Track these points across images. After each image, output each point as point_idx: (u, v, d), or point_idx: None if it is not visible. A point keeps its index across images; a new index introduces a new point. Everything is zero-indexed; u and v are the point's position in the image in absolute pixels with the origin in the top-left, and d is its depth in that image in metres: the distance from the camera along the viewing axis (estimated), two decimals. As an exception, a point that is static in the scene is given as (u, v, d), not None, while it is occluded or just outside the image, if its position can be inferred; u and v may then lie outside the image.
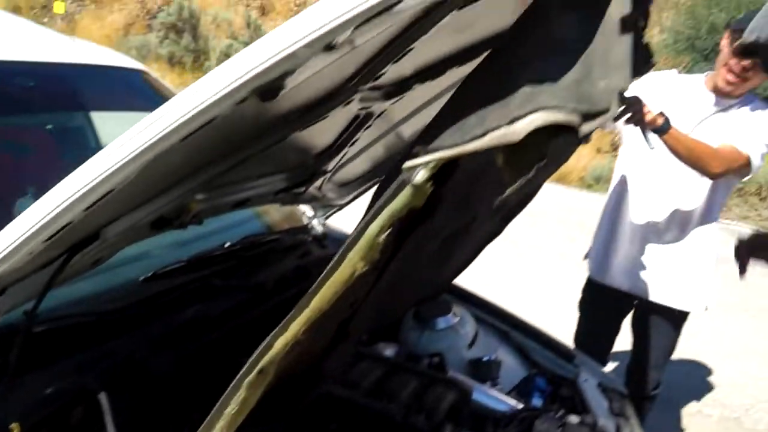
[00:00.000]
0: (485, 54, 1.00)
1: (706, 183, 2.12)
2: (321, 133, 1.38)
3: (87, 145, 2.18)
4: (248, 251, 1.61)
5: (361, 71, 0.97)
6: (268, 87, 0.64)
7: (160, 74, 2.86)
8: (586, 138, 0.69)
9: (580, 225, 6.57)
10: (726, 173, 2.03)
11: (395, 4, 0.55)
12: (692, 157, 1.96)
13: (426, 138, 0.67)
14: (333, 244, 1.98)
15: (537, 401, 1.64)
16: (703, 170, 2.00)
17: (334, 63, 0.76)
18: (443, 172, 0.65)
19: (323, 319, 0.75)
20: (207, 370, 1.17)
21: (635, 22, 0.68)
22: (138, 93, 2.22)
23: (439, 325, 1.75)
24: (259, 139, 1.06)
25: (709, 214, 2.19)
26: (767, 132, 2.05)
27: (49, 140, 2.13)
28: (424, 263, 1.44)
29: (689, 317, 2.33)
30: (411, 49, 0.90)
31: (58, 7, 13.58)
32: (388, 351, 1.65)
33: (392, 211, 0.64)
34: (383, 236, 0.67)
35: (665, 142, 1.92)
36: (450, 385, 1.46)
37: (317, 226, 2.01)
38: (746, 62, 1.94)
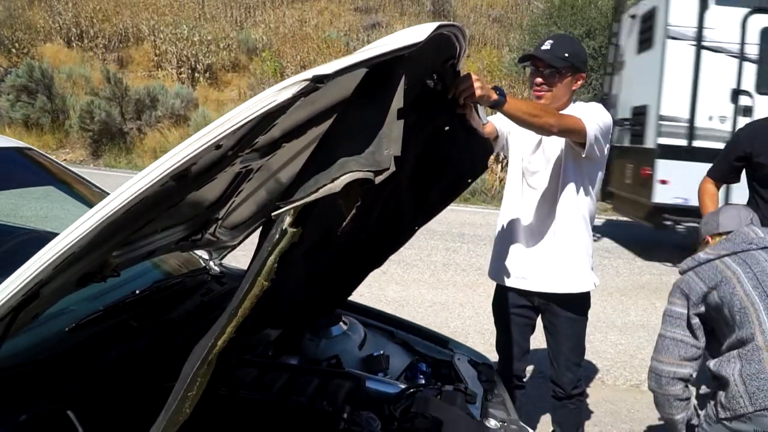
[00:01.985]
0: (330, 116, 1.34)
1: (567, 188, 2.35)
2: (211, 189, 1.65)
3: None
4: (158, 294, 1.85)
5: (239, 143, 1.28)
6: (181, 174, 0.94)
7: (16, 138, 2.92)
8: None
9: (460, 236, 7.17)
10: (567, 131, 2.16)
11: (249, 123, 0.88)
12: (534, 120, 2.05)
13: (285, 195, 1.00)
14: (230, 280, 2.24)
15: (421, 381, 2.00)
16: (547, 128, 2.11)
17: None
18: (302, 215, 0.98)
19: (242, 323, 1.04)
20: (136, 399, 1.41)
21: (406, 112, 1.05)
22: (20, 170, 2.34)
23: (332, 333, 2.08)
24: (164, 203, 1.33)
25: (576, 211, 2.38)
26: (590, 110, 2.27)
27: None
28: (297, 280, 1.77)
29: (585, 305, 2.49)
30: (275, 124, 1.22)
31: None
32: (292, 361, 1.94)
33: (280, 247, 0.96)
34: (275, 265, 0.99)
35: (506, 114, 1.98)
36: (346, 376, 1.78)
37: (214, 266, 2.27)
38: (537, 79, 2.30)
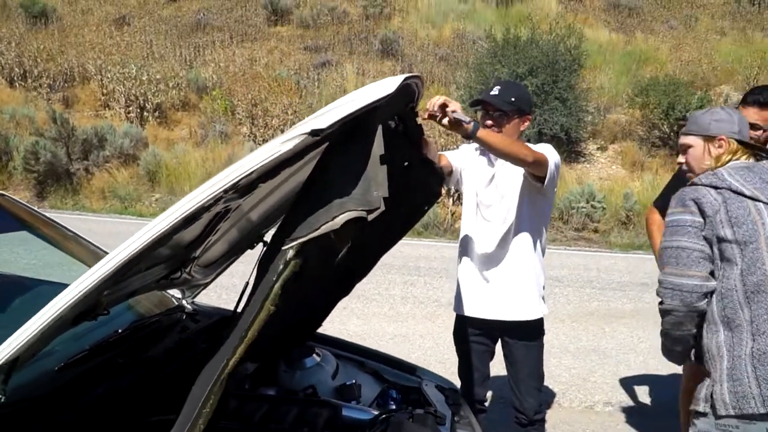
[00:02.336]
0: (307, 161, 1.47)
1: (520, 222, 2.50)
2: (191, 231, 1.75)
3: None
4: (138, 333, 1.91)
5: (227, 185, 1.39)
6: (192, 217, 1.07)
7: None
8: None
9: (416, 269, 7.32)
10: (535, 161, 2.29)
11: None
12: (506, 149, 2.22)
13: (287, 231, 1.13)
14: (204, 317, 2.31)
15: (392, 407, 2.11)
16: (519, 158, 2.26)
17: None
18: (303, 248, 1.11)
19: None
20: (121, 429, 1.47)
21: (386, 158, 1.19)
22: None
23: (307, 364, 2.17)
24: (152, 249, 1.42)
25: (529, 243, 2.53)
26: (546, 148, 2.42)
27: None
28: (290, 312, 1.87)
29: (539, 332, 2.62)
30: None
31: None
32: (270, 392, 2.02)
33: (285, 276, 1.07)
34: (279, 291, 1.11)
35: (482, 142, 2.16)
36: (323, 405, 1.88)
37: (188, 305, 2.33)
38: (487, 121, 2.45)
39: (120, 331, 1.86)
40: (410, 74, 1.41)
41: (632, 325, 5.54)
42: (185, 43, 16.52)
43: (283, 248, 1.08)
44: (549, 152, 2.42)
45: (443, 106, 2.04)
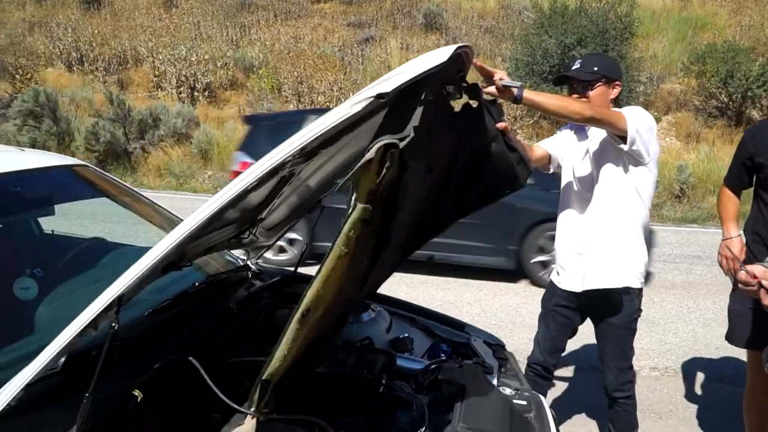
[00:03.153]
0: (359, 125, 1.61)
1: (616, 195, 2.47)
2: (258, 194, 1.92)
3: (33, 234, 2.55)
4: (212, 287, 2.11)
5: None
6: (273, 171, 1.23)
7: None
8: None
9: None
10: (602, 120, 2.26)
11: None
12: (556, 107, 2.20)
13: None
14: (267, 276, 2.51)
15: (443, 358, 2.26)
16: (574, 114, 2.22)
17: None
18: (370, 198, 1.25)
19: (332, 291, 1.30)
20: (209, 368, 1.67)
21: (424, 99, 1.31)
22: (71, 185, 2.60)
23: (363, 318, 2.34)
24: (236, 204, 1.59)
25: (627, 216, 2.49)
26: (630, 108, 2.38)
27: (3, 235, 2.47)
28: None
29: (627, 308, 2.56)
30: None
31: None
32: (331, 342, 2.20)
33: (353, 218, 1.21)
34: (351, 232, 1.25)
35: (528, 105, 2.16)
36: (379, 352, 2.04)
37: (252, 265, 2.53)
38: (573, 95, 2.50)
39: (197, 284, 2.06)
40: (461, 44, 1.53)
41: (682, 296, 5.55)
42: (231, 23, 16.82)
43: (357, 202, 1.21)
44: (633, 111, 2.38)
45: (490, 76, 2.11)
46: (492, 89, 2.10)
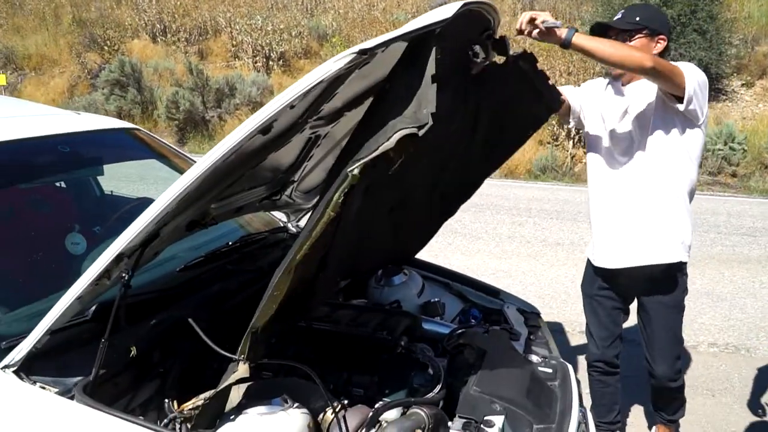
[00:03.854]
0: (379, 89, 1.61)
1: (662, 158, 2.25)
2: (287, 154, 1.97)
3: (92, 194, 2.73)
4: (246, 247, 2.20)
5: (308, 110, 1.57)
6: (265, 128, 1.25)
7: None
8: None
9: (527, 211, 7.31)
10: (663, 75, 2.06)
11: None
12: (611, 54, 2.02)
13: (351, 155, 1.29)
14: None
15: (472, 324, 2.26)
16: (633, 63, 2.03)
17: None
18: (367, 168, 1.26)
19: (317, 246, 1.34)
20: (230, 323, 1.75)
21: (439, 78, 1.29)
22: (127, 147, 2.76)
23: (394, 281, 2.37)
24: (249, 162, 1.64)
25: (673, 183, 2.28)
26: (684, 64, 2.15)
27: (65, 193, 2.65)
28: (381, 233, 2.06)
29: (675, 286, 2.36)
30: (336, 93, 1.51)
31: (0, 80, 13.85)
32: (359, 302, 2.25)
33: (342, 187, 1.24)
34: (339, 200, 1.27)
35: (578, 50, 2.01)
36: (405, 315, 2.07)
37: (291, 227, 2.60)
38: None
39: (230, 243, 2.15)
40: (473, 0, 1.48)
41: (756, 270, 5.24)
42: (307, -8, 16.92)
43: (347, 170, 1.23)
44: (688, 67, 2.15)
45: (532, 20, 1.98)
46: (535, 33, 1.99)
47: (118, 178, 2.87)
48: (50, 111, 2.75)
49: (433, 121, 1.23)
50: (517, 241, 6.05)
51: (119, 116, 12.89)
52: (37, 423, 1.38)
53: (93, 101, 13.07)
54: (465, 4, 1.39)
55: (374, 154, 1.25)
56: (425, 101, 1.25)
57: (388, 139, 1.24)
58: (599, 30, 2.33)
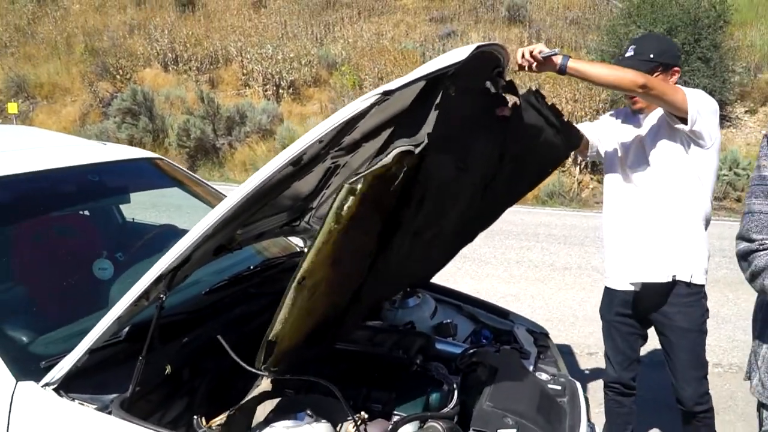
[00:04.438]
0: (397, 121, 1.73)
1: (674, 184, 2.31)
2: (307, 183, 2.07)
3: (116, 221, 2.84)
4: (267, 271, 2.30)
5: (331, 141, 1.68)
6: (296, 160, 1.36)
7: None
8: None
9: (534, 236, 7.39)
10: (659, 96, 2.12)
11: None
12: (605, 76, 2.10)
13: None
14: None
15: (483, 343, 2.34)
16: (628, 84, 2.08)
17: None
18: (371, 184, 1.37)
19: (333, 270, 1.44)
20: (253, 343, 1.84)
21: (434, 104, 1.40)
22: (149, 176, 2.88)
23: (408, 304, 2.46)
24: (276, 191, 1.75)
25: (686, 207, 2.33)
26: (690, 90, 2.21)
27: (90, 221, 2.77)
28: (407, 258, 2.16)
29: (695, 306, 2.38)
30: (357, 126, 1.62)
31: (12, 108, 14.13)
32: (374, 324, 2.34)
33: (341, 197, 1.33)
34: (344, 211, 1.36)
35: (574, 75, 2.09)
36: (419, 335, 2.16)
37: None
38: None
39: (252, 267, 2.25)
40: (483, 43, 1.60)
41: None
42: (316, 21, 17.28)
43: (346, 182, 1.34)
44: (694, 92, 2.21)
45: (530, 54, 2.09)
46: (535, 66, 2.10)
47: (131, 208, 2.98)
48: (77, 141, 2.88)
49: (428, 140, 1.34)
50: (525, 265, 6.13)
51: (130, 144, 13.10)
52: (77, 437, 1.47)
53: (105, 129, 13.30)
54: (478, 47, 1.51)
55: (373, 169, 1.36)
56: (425, 125, 1.36)
57: (387, 155, 1.35)
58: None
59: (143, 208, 3.53)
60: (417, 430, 1.63)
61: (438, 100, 1.37)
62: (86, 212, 2.76)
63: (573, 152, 2.48)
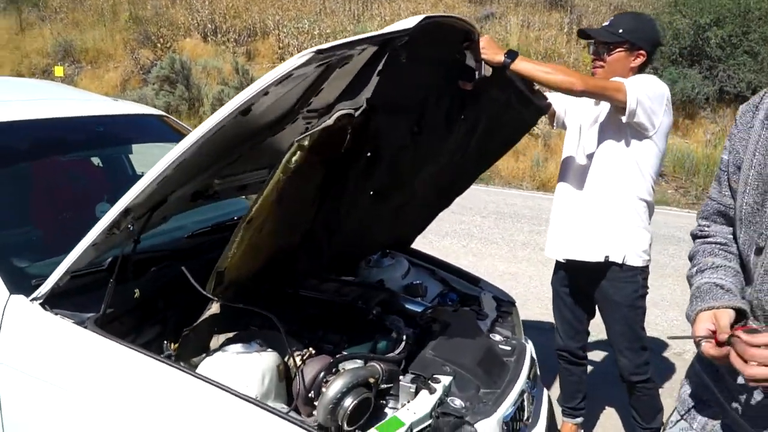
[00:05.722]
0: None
1: (620, 165, 2.39)
2: (283, 140, 2.24)
3: (125, 172, 3.06)
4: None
5: (298, 101, 1.84)
6: (244, 110, 1.53)
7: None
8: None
9: (547, 221, 7.43)
10: (597, 93, 2.19)
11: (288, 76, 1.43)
12: (545, 77, 2.11)
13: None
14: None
15: (448, 305, 2.50)
16: (565, 88, 2.13)
17: (278, 99, 1.64)
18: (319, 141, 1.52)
19: (278, 214, 1.61)
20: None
21: (377, 70, 1.53)
22: (158, 130, 3.09)
23: (383, 263, 2.63)
24: (246, 143, 1.92)
25: (629, 189, 2.41)
26: (638, 78, 2.28)
27: (100, 170, 3.00)
28: (377, 219, 2.33)
29: (631, 285, 2.48)
30: (323, 88, 1.78)
31: (58, 71, 14.63)
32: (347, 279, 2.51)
33: (291, 152, 1.49)
34: (292, 163, 1.53)
35: (516, 73, 2.07)
36: (383, 290, 2.32)
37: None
38: (592, 55, 2.45)
39: (235, 218, 2.44)
40: (438, 15, 1.73)
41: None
42: (355, -1, 17.34)
43: (295, 140, 1.49)
44: (640, 81, 2.28)
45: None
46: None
47: (146, 165, 3.21)
48: (92, 96, 3.10)
49: (367, 104, 1.49)
50: (531, 247, 6.22)
51: (167, 111, 13.46)
52: (56, 346, 1.68)
53: (143, 95, 13.67)
54: (426, 17, 1.64)
55: (316, 129, 1.52)
56: (366, 90, 1.51)
57: (330, 118, 1.51)
58: (583, 37, 2.48)
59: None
60: (358, 366, 1.80)
61: (380, 67, 1.51)
62: (99, 163, 3.00)
63: (544, 117, 2.57)
